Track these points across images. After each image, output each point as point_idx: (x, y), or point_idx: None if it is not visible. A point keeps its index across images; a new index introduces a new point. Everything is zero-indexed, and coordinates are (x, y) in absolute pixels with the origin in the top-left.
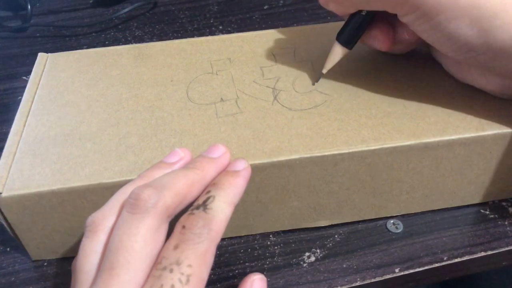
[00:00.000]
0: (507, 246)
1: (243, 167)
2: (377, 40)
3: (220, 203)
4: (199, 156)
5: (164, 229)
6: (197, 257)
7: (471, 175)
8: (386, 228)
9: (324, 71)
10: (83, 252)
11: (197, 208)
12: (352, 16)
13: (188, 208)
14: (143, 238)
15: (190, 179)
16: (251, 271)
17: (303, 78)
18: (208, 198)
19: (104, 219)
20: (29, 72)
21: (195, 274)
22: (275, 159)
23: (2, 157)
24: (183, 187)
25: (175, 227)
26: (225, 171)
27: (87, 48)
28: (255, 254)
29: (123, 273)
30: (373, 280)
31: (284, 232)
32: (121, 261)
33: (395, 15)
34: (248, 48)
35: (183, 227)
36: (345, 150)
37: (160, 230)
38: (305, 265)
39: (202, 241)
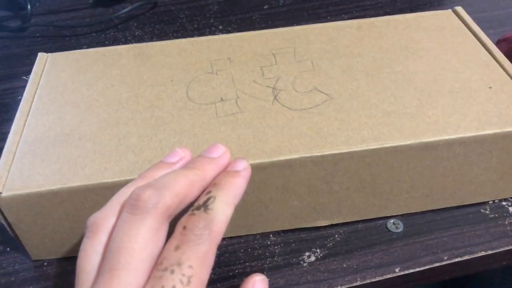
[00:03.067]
0: (507, 246)
1: (243, 167)
2: None
3: (220, 203)
4: (199, 156)
5: (165, 230)
6: (198, 258)
7: (471, 175)
8: (386, 228)
9: None
10: (84, 253)
11: (198, 208)
12: None
13: (188, 208)
14: (143, 239)
15: (190, 179)
16: (251, 271)
17: (303, 78)
18: (208, 199)
19: (104, 220)
20: (29, 72)
21: (196, 275)
22: (275, 159)
23: (2, 157)
24: (183, 187)
25: (176, 228)
26: (225, 171)
27: (87, 48)
28: (255, 254)
29: (124, 274)
30: (373, 280)
31: (284, 232)
32: (122, 262)
33: None
34: (248, 48)
35: (184, 227)
36: (345, 150)
37: (160, 230)
38: (305, 264)
39: (203, 242)
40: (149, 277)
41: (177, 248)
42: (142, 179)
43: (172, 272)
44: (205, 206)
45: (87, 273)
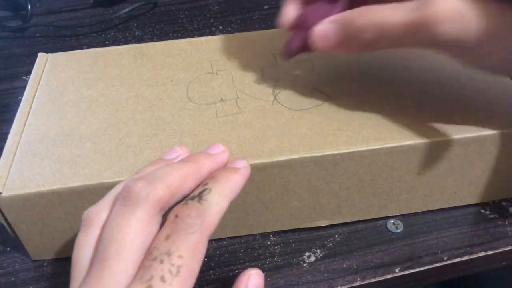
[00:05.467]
0: (507, 246)
1: (242, 166)
2: None
3: (216, 195)
4: (197, 152)
5: (157, 222)
6: (188, 248)
7: (471, 175)
8: (386, 228)
9: None
10: (77, 247)
11: (192, 199)
12: None
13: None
14: (134, 229)
15: (184, 171)
16: None
17: (303, 78)
18: (204, 190)
19: (98, 213)
20: (29, 72)
21: (186, 265)
22: (275, 159)
23: (2, 157)
24: (176, 179)
25: (168, 216)
26: (224, 168)
27: (87, 48)
28: (255, 254)
29: (114, 264)
30: (373, 280)
31: (284, 232)
32: (112, 253)
33: None
34: (248, 48)
35: (176, 216)
36: (345, 150)
37: (152, 222)
38: (305, 265)
39: (194, 232)
40: (140, 267)
41: (167, 237)
42: (139, 175)
43: (162, 262)
44: (199, 196)
45: (80, 267)
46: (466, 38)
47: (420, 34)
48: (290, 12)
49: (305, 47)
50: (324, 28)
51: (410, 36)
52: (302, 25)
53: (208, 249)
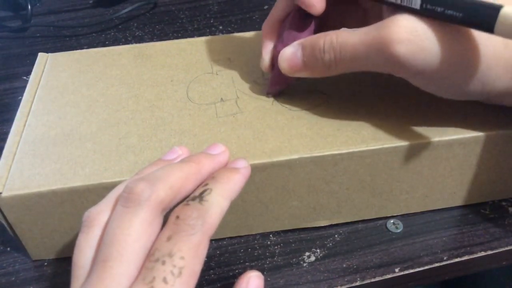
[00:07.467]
0: (507, 246)
1: (243, 166)
2: None
3: (216, 196)
4: (197, 153)
5: (159, 223)
6: (190, 249)
7: (471, 175)
8: (386, 228)
9: None
10: (78, 248)
11: (193, 199)
12: None
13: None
14: (136, 231)
15: (185, 172)
16: None
17: (303, 78)
18: (205, 191)
19: (99, 214)
20: (29, 72)
21: (188, 266)
22: (275, 159)
23: (2, 157)
24: (177, 180)
25: (169, 217)
26: (224, 168)
27: (87, 48)
28: (255, 254)
29: (116, 265)
30: (373, 280)
31: (284, 232)
32: (114, 254)
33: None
34: (248, 48)
35: (177, 217)
36: (344, 150)
37: (154, 223)
38: (305, 264)
39: (196, 233)
40: (141, 268)
41: (169, 238)
42: (139, 176)
43: (163, 263)
44: (200, 197)
45: (81, 268)
46: (422, 60)
47: (377, 55)
48: (267, 54)
49: (284, 81)
50: (290, 50)
51: (368, 57)
52: (276, 59)
53: (208, 249)
